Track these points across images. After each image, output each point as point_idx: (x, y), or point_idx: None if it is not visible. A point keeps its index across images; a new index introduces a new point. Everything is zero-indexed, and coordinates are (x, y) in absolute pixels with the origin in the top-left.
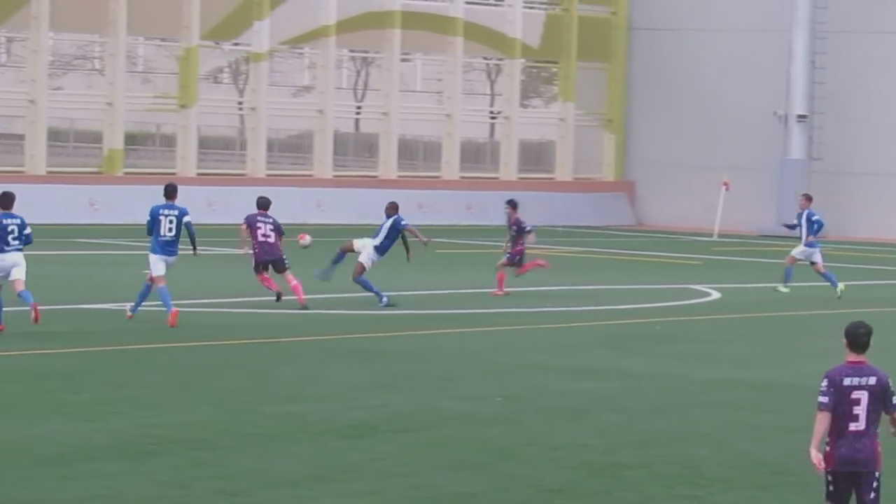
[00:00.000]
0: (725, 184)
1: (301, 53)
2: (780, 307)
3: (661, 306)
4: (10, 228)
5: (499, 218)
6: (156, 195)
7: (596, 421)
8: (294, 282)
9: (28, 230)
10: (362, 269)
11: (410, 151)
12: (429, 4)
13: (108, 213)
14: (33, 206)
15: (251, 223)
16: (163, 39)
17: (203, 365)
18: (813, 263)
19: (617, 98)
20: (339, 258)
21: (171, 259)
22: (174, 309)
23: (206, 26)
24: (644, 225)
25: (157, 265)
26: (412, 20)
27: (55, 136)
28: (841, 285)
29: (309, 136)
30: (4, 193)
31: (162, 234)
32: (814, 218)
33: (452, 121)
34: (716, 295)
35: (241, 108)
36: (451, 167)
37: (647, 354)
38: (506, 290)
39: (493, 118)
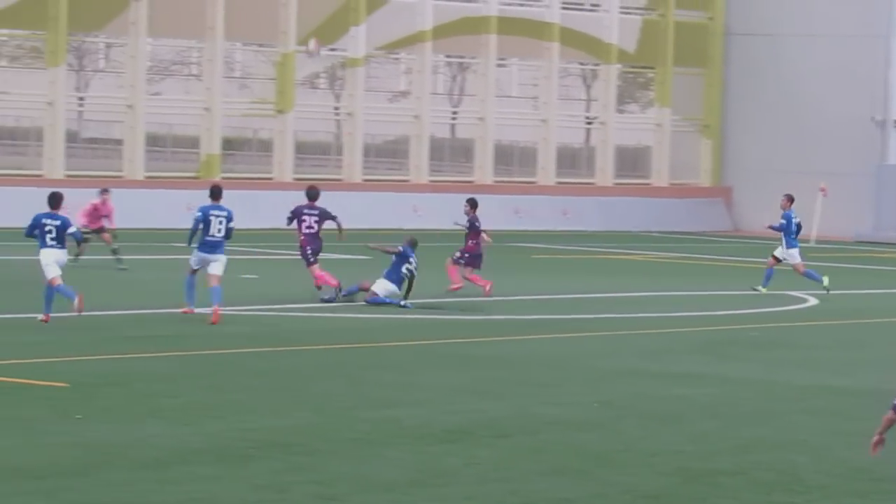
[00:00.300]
0: (823, 189)
1: (397, 59)
2: (879, 314)
3: (757, 312)
4: (48, 227)
5: (596, 223)
6: (253, 200)
7: (692, 427)
8: (320, 272)
9: (72, 229)
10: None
11: (506, 157)
12: (525, 10)
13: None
14: (131, 210)
15: (298, 214)
16: (260, 45)
17: (300, 369)
18: (793, 265)
19: (714, 103)
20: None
21: (220, 257)
22: (216, 307)
23: (302, 32)
24: (741, 231)
25: (203, 262)
26: (508, 25)
27: (153, 141)
28: (825, 279)
29: (405, 141)
30: (52, 194)
31: (211, 233)
32: (794, 220)
33: (548, 126)
34: (813, 301)
35: (337, 114)
36: (546, 172)
37: (744, 360)
38: (460, 283)
39: (588, 123)
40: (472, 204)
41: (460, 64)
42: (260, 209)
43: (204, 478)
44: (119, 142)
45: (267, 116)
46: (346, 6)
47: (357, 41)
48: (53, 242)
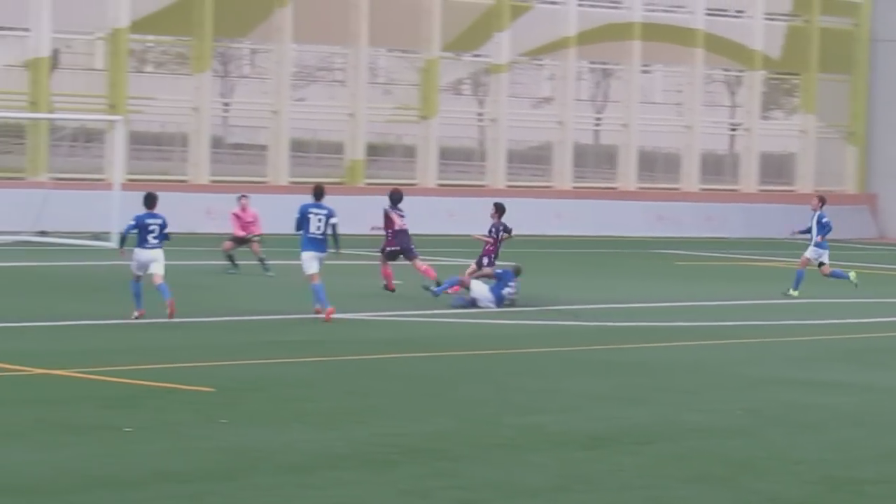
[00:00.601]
0: None
1: (541, 65)
2: None
3: None
4: (151, 227)
5: (739, 230)
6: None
7: (837, 435)
8: (423, 266)
9: (167, 229)
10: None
11: (650, 163)
12: (670, 16)
13: (350, 223)
14: (276, 215)
15: (387, 215)
16: (404, 51)
17: (443, 375)
18: (821, 265)
19: (859, 110)
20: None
21: (322, 255)
22: (330, 307)
23: (446, 38)
24: (887, 238)
25: (310, 263)
26: (653, 32)
27: (297, 146)
28: (852, 273)
29: (548, 147)
30: (148, 194)
31: (311, 231)
32: (823, 220)
33: (692, 132)
34: None
35: (481, 120)
36: (690, 179)
37: (890, 368)
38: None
39: (733, 130)
40: (499, 209)
41: (604, 70)
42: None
43: (348, 482)
44: (264, 147)
45: (411, 122)
46: (490, 12)
47: (501, 47)
48: (155, 241)
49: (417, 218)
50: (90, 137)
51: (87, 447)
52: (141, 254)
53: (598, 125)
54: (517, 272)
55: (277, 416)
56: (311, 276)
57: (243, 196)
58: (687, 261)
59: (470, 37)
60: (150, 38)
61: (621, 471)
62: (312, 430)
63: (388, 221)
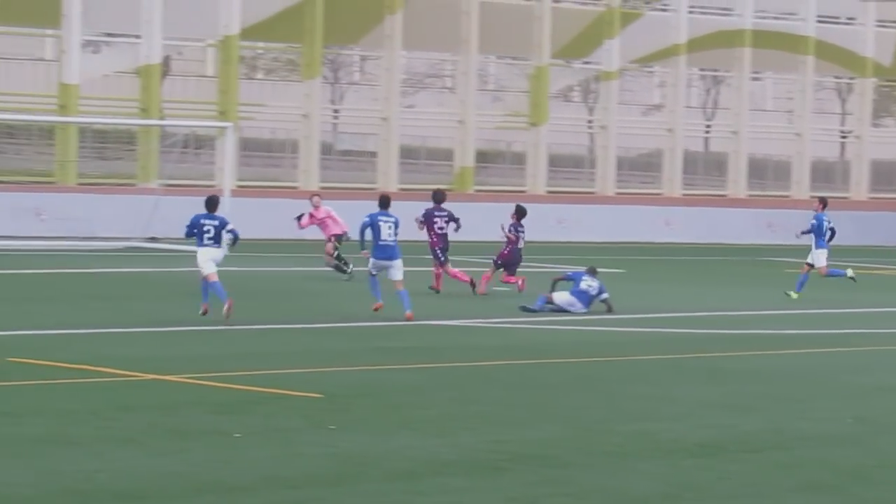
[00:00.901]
0: None
1: (651, 72)
2: None
3: None
4: (206, 228)
5: (851, 237)
6: (504, 212)
7: None
8: (454, 270)
9: (230, 227)
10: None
11: (760, 170)
12: (780, 23)
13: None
14: None
15: (429, 217)
16: (514, 58)
17: (551, 382)
18: (811, 266)
19: None
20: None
21: (395, 262)
22: (408, 313)
23: (556, 45)
24: None
25: (393, 273)
26: (763, 39)
27: (407, 153)
28: (849, 270)
29: (658, 154)
30: (209, 197)
31: (383, 238)
32: (826, 223)
33: (803, 140)
34: None
35: (590, 127)
36: (800, 186)
37: None
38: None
39: (843, 137)
40: (519, 212)
41: (714, 77)
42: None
43: (455, 489)
44: (373, 154)
45: (520, 129)
46: (601, 19)
47: (611, 54)
48: (210, 241)
49: (530, 225)
50: (200, 144)
51: (197, 452)
52: (198, 253)
53: (707, 132)
54: (593, 272)
55: (385, 423)
56: (398, 281)
57: (315, 195)
58: (797, 269)
59: (580, 44)
60: (261, 44)
61: (730, 479)
62: (420, 437)
63: (430, 225)
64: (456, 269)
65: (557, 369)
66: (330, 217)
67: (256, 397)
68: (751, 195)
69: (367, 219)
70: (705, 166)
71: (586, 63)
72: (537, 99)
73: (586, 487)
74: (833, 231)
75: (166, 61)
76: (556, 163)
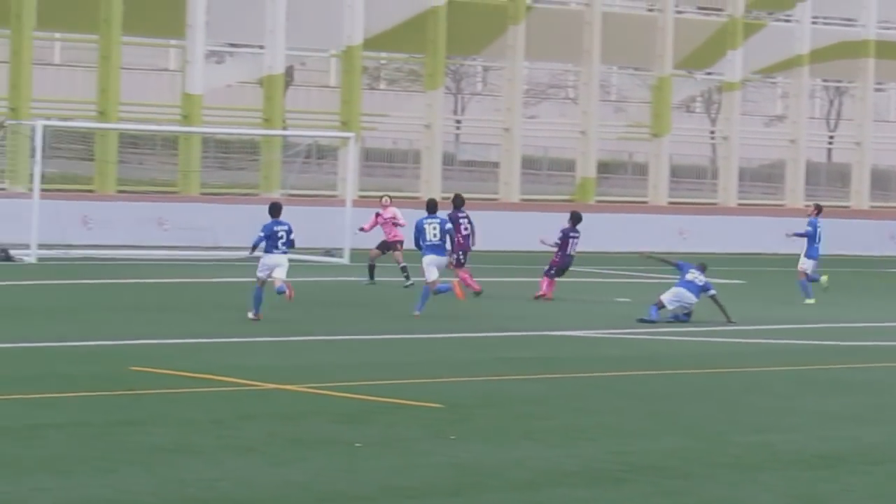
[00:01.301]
0: None
1: (774, 83)
2: None
3: None
4: (279, 234)
5: None
6: (627, 223)
7: None
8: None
9: (293, 236)
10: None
11: (883, 182)
12: None
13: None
14: (507, 232)
15: (454, 220)
16: (636, 68)
17: (672, 393)
18: (799, 269)
19: None
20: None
21: (442, 259)
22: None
23: (679, 55)
24: None
25: (431, 270)
26: (887, 49)
27: (528, 164)
28: (824, 277)
29: (780, 165)
30: (273, 203)
31: (428, 239)
32: (819, 229)
33: None
34: None
35: (713, 138)
36: None
37: None
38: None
39: None
40: (574, 218)
41: (837, 88)
42: (634, 232)
43: (576, 500)
44: (495, 165)
45: (642, 140)
46: (724, 30)
47: (734, 65)
48: (284, 248)
49: (647, 235)
50: (322, 154)
51: (318, 462)
52: (269, 258)
53: (830, 143)
54: (702, 268)
55: (506, 433)
56: (432, 282)
57: (386, 195)
58: None
59: (703, 54)
60: (384, 55)
61: (851, 491)
62: (541, 447)
63: (456, 226)
64: (467, 276)
65: (678, 380)
66: (394, 219)
67: (377, 407)
68: (874, 206)
69: (416, 228)
70: (828, 177)
71: (709, 74)
72: (659, 109)
73: (706, 498)
74: (812, 235)
75: (289, 71)
76: (678, 173)
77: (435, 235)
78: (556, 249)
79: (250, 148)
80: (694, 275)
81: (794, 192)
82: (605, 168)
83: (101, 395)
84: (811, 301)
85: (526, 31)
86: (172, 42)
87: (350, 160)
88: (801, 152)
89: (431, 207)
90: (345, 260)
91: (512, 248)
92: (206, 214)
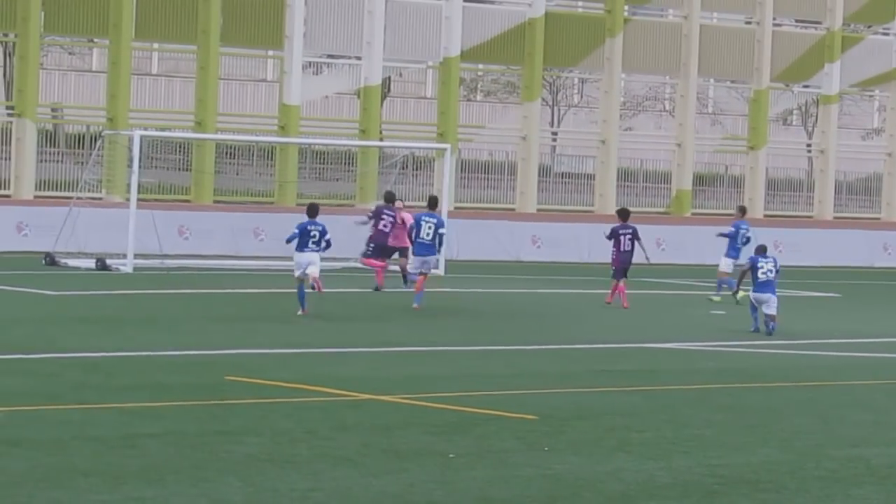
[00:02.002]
0: None
1: (871, 96)
2: None
3: None
4: (312, 233)
5: None
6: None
7: None
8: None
9: (328, 236)
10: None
11: None
12: None
13: (675, 252)
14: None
15: (378, 212)
16: (733, 81)
17: (767, 406)
18: (719, 269)
19: None
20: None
21: (430, 259)
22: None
23: (776, 68)
24: None
25: (416, 264)
26: None
27: (624, 176)
28: (741, 294)
29: (877, 179)
30: (311, 205)
31: (421, 236)
32: (742, 231)
33: None
34: None
35: (809, 151)
36: None
37: None
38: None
39: None
40: (621, 214)
41: None
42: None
43: None
44: (591, 177)
45: (739, 152)
46: (822, 43)
47: (831, 78)
48: (314, 246)
49: (743, 249)
50: (419, 165)
51: (412, 473)
52: (300, 256)
53: None
54: (763, 251)
55: (600, 445)
56: (419, 275)
57: (398, 200)
58: None
59: (800, 67)
60: (481, 66)
61: None
62: (635, 459)
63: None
64: (374, 260)
65: (772, 393)
66: (404, 223)
67: (471, 418)
68: None
69: (413, 220)
70: None
71: (806, 87)
72: (756, 122)
73: None
74: (748, 240)
75: (386, 83)
76: (774, 186)
77: (428, 234)
78: (613, 250)
79: (347, 159)
80: (764, 268)
81: (891, 206)
82: (700, 181)
83: (197, 404)
84: (717, 299)
85: (623, 43)
86: (270, 53)
87: (446, 172)
88: None
89: (432, 204)
90: (440, 271)
91: (608, 259)
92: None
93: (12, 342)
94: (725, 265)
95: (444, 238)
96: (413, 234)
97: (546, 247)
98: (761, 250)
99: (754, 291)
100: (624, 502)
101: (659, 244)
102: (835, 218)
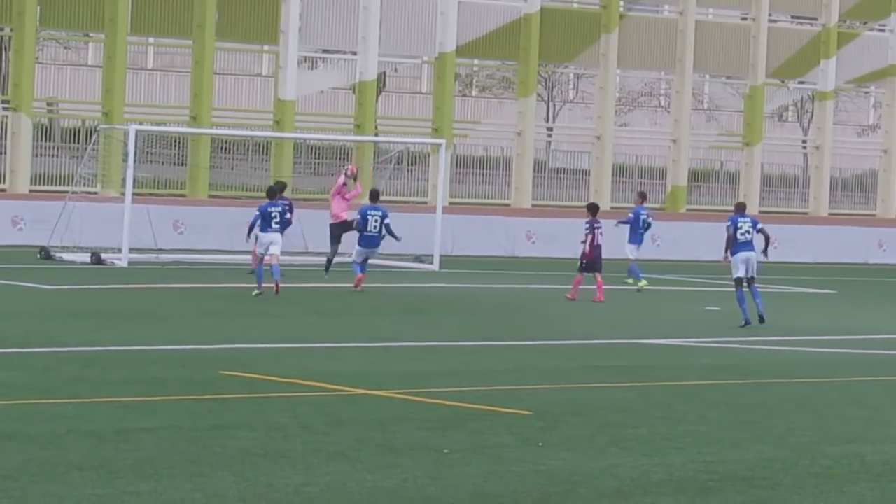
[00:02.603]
0: None
1: (867, 92)
2: None
3: None
4: (273, 214)
5: None
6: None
7: None
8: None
9: (288, 216)
10: None
11: None
12: None
13: (670, 249)
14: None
15: (363, 214)
16: (729, 77)
17: (762, 403)
18: (628, 256)
19: None
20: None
21: (374, 251)
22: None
23: (772, 64)
24: None
25: (360, 256)
26: None
27: (619, 172)
28: (643, 283)
29: (873, 175)
30: (271, 187)
31: (368, 230)
32: (643, 217)
33: None
34: None
35: (804, 147)
36: None
37: None
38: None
39: None
40: (590, 209)
41: None
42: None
43: None
44: (586, 172)
45: (734, 148)
46: (817, 39)
47: (827, 74)
48: (277, 226)
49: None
50: (414, 160)
51: (406, 468)
52: (263, 236)
53: None
54: (742, 209)
55: (595, 441)
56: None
57: (351, 167)
58: None
59: (796, 63)
60: (476, 62)
61: None
62: (629, 456)
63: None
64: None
65: (768, 389)
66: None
67: (466, 414)
68: None
69: (358, 214)
70: None
71: (801, 83)
72: (752, 118)
73: None
74: (649, 225)
75: (382, 78)
76: (770, 182)
77: (375, 227)
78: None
79: (342, 154)
80: (743, 228)
81: (886, 202)
82: (695, 177)
83: (191, 399)
84: (643, 283)
85: (619, 38)
86: (266, 48)
87: (441, 167)
88: (893, 162)
89: (374, 197)
90: (434, 266)
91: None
92: (297, 220)
93: (7, 336)
94: (630, 251)
95: (391, 225)
96: (360, 228)
97: (541, 242)
98: (740, 208)
99: (734, 253)
100: (618, 498)
101: (654, 240)
102: (830, 214)
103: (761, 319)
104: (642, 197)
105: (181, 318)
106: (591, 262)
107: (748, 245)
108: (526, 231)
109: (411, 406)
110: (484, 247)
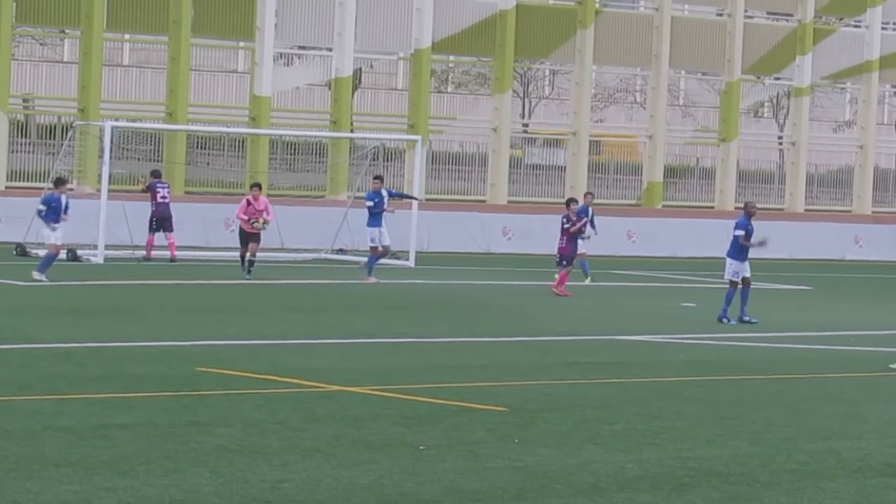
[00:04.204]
0: None
1: (843, 88)
2: None
3: None
4: (53, 206)
5: None
6: (694, 228)
7: None
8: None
9: (70, 210)
10: None
11: None
12: None
13: (646, 245)
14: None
15: (152, 187)
16: (704, 73)
17: (738, 399)
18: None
19: None
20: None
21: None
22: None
23: (748, 61)
24: None
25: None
26: None
27: (595, 168)
28: (589, 279)
29: (849, 171)
30: (59, 177)
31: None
32: (592, 214)
33: None
34: None
35: (780, 143)
36: None
37: None
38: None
39: None
40: (569, 204)
41: None
42: (701, 237)
43: None
44: (562, 168)
45: (710, 144)
46: (793, 35)
47: (803, 70)
48: (64, 217)
49: (717, 241)
50: (390, 156)
51: (382, 464)
52: (59, 229)
53: None
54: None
55: (571, 437)
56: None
57: (256, 185)
58: None
59: (772, 60)
60: (452, 58)
61: None
62: (605, 452)
63: (153, 193)
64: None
65: (744, 386)
66: (267, 209)
67: (442, 410)
68: None
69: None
70: None
71: (777, 79)
72: (728, 114)
73: None
74: (593, 224)
75: (357, 74)
76: (746, 179)
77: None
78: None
79: (318, 150)
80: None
81: (862, 198)
82: (671, 173)
83: (168, 395)
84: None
85: (594, 34)
86: (242, 44)
87: (417, 163)
88: (869, 158)
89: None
90: (410, 263)
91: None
92: (273, 216)
93: None
94: (580, 247)
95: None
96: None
97: (517, 238)
98: (752, 213)
99: (743, 259)
100: (594, 494)
101: (630, 236)
102: (806, 210)
103: (740, 321)
104: (590, 196)
105: (157, 315)
106: (568, 255)
107: (747, 251)
108: (502, 227)
109: (387, 402)
110: (459, 243)
